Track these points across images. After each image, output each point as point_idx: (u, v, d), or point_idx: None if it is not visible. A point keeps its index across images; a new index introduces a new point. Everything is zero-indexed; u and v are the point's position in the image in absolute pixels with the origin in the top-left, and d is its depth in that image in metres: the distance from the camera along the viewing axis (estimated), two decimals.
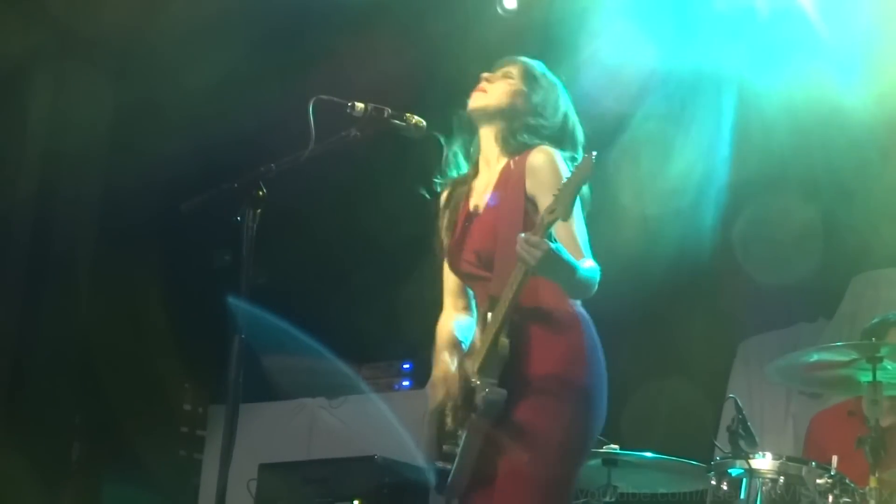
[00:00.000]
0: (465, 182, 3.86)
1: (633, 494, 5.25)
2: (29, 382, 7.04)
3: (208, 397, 7.85)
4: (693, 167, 6.59)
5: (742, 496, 4.50)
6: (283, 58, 6.75)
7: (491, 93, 3.78)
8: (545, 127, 3.75)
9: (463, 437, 3.50)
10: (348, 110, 3.60)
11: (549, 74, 3.87)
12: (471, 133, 3.87)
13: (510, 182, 3.65)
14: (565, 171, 3.55)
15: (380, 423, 6.64)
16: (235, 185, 3.41)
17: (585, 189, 3.59)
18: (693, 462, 4.81)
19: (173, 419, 7.92)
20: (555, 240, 3.36)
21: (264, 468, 6.48)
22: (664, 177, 6.56)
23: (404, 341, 6.94)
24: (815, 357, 4.73)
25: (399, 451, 6.50)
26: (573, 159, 3.67)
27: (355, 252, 7.50)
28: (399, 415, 6.62)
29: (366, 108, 3.59)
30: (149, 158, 6.88)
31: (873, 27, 5.92)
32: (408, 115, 3.65)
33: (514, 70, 3.82)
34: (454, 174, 3.90)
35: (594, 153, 3.38)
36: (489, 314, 3.52)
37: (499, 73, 3.83)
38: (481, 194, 3.78)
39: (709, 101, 6.54)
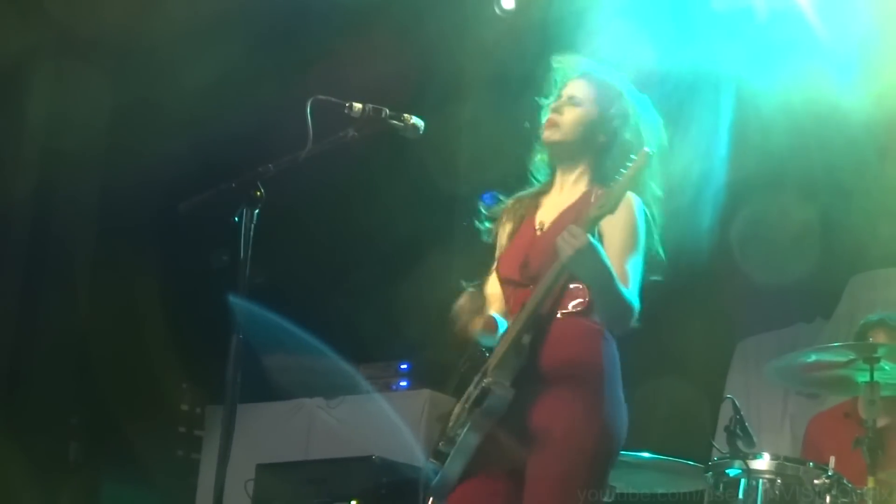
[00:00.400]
0: (536, 195, 3.78)
1: (631, 494, 5.25)
2: (26, 382, 7.04)
3: (206, 397, 7.84)
4: (691, 167, 6.58)
5: (740, 496, 4.50)
6: (280, 58, 6.76)
7: (563, 126, 3.67)
8: (627, 151, 3.60)
9: (461, 436, 3.45)
10: (346, 110, 3.58)
11: (618, 82, 3.76)
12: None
13: (585, 213, 3.49)
14: (639, 224, 3.52)
15: (378, 423, 6.64)
16: (233, 185, 3.41)
17: (653, 232, 3.58)
18: (691, 462, 4.81)
19: (171, 419, 7.91)
20: (599, 240, 3.31)
21: (262, 468, 6.47)
22: (662, 176, 6.55)
23: (402, 341, 6.95)
24: (812, 357, 4.74)
25: (397, 451, 6.51)
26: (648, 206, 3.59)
27: (353, 252, 7.49)
28: (397, 415, 6.63)
29: (363, 108, 3.58)
30: (147, 158, 6.88)
31: (871, 28, 5.92)
32: (405, 115, 3.64)
33: (579, 92, 3.70)
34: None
35: (649, 149, 3.34)
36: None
37: (564, 96, 3.71)
38: (551, 212, 3.70)
39: (707, 101, 6.54)
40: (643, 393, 6.66)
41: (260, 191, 3.39)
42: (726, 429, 4.65)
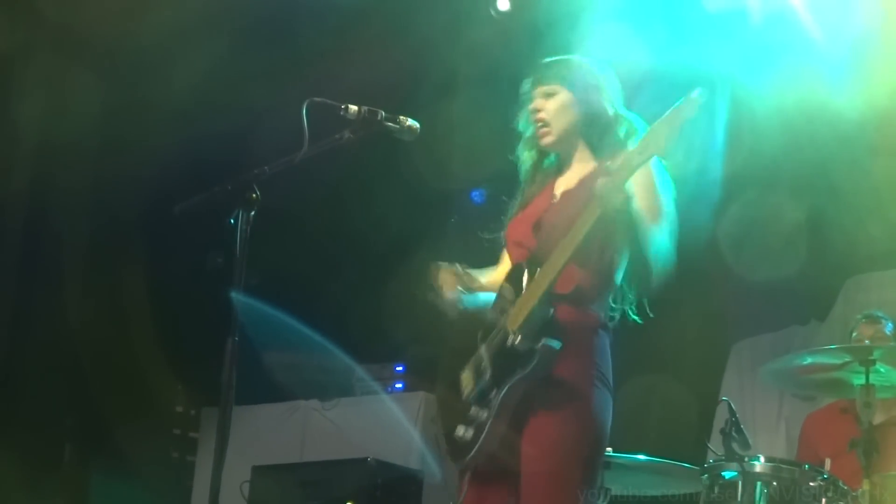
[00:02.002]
0: (555, 170, 3.78)
1: (626, 497, 5.24)
2: (20, 384, 7.02)
3: (201, 399, 7.83)
4: (685, 168, 6.58)
5: (736, 499, 4.49)
6: (273, 56, 6.75)
7: (553, 124, 3.68)
8: (609, 120, 3.69)
9: (499, 398, 3.37)
10: (342, 112, 3.57)
11: (590, 67, 3.77)
12: None
13: (625, 161, 3.47)
14: (656, 175, 3.54)
15: (373, 424, 6.65)
16: (229, 187, 3.40)
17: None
18: (686, 465, 4.80)
19: (166, 421, 7.90)
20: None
21: (257, 470, 6.47)
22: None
23: (397, 344, 6.94)
24: (808, 360, 4.74)
25: (392, 452, 6.51)
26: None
27: (347, 252, 7.49)
28: (392, 417, 6.63)
29: (359, 110, 3.56)
30: (139, 158, 6.87)
31: (864, 28, 5.92)
32: (401, 117, 3.63)
33: (555, 87, 3.71)
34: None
35: (699, 91, 3.28)
36: (536, 269, 3.42)
37: (537, 97, 3.72)
38: (568, 183, 3.71)
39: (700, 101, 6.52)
40: (638, 395, 6.71)
41: (255, 193, 3.38)
42: (722, 431, 4.63)
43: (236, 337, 3.31)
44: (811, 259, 6.59)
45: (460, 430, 3.44)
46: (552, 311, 3.38)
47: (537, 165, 3.81)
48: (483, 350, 3.48)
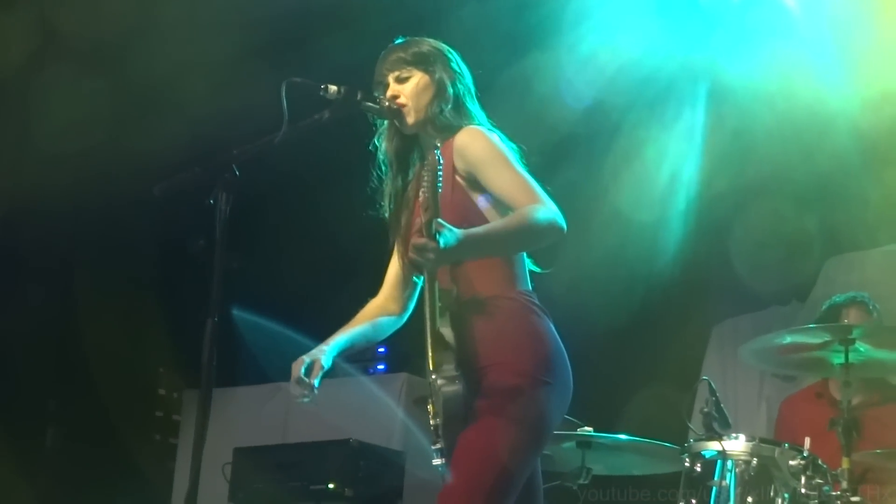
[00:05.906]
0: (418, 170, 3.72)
1: (608, 477, 5.26)
2: (3, 368, 7.02)
3: (183, 382, 7.84)
4: (668, 157, 6.62)
5: (715, 477, 4.51)
6: (280, 61, 6.73)
7: (412, 106, 3.61)
8: (458, 98, 3.63)
9: (443, 441, 3.33)
10: (321, 92, 3.57)
11: (434, 47, 3.71)
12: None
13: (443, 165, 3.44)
14: (497, 142, 3.48)
15: (356, 406, 6.65)
16: (207, 168, 3.39)
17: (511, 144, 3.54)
18: (667, 444, 4.82)
19: (148, 404, 7.91)
20: (436, 231, 3.13)
21: (239, 452, 6.47)
22: (639, 165, 6.59)
23: None
24: (788, 339, 4.74)
25: (374, 434, 6.52)
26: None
27: (333, 239, 7.48)
28: (374, 398, 6.64)
29: (338, 89, 3.56)
30: (138, 151, 6.85)
31: (860, 30, 5.94)
32: (381, 97, 3.63)
33: (405, 71, 3.65)
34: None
35: (437, 149, 3.29)
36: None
37: (391, 82, 3.66)
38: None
39: (686, 97, 6.56)
40: (620, 375, 6.74)
41: (235, 174, 3.37)
42: (702, 410, 4.64)
43: (216, 318, 3.30)
44: (791, 240, 6.62)
45: (438, 462, 3.36)
46: (451, 346, 3.31)
47: (404, 160, 3.74)
48: (430, 386, 3.39)
